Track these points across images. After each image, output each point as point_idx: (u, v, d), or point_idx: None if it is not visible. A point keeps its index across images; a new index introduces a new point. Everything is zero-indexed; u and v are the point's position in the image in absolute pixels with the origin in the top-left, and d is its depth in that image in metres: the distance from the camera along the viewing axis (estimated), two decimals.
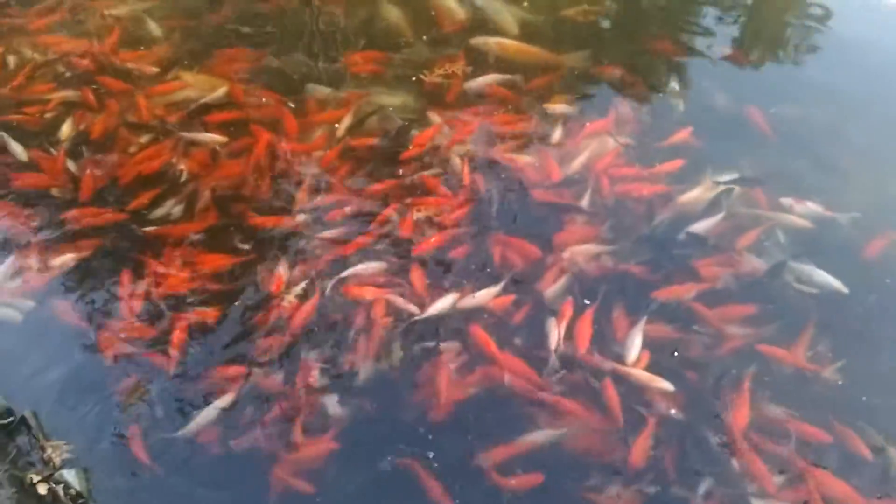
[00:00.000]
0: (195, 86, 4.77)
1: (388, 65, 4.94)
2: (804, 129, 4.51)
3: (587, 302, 3.58)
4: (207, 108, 4.61)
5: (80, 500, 3.03)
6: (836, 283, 3.64)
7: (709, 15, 5.56)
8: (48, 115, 4.59)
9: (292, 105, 4.62)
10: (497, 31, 5.14)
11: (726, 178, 4.10)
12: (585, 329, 3.44)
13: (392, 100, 4.68)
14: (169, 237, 3.89)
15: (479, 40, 5.01)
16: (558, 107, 4.58)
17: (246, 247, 3.85)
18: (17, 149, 4.37)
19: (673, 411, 3.22)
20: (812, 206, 3.95)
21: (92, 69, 4.88)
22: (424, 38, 5.19)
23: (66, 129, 4.50)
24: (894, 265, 3.78)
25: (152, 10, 5.40)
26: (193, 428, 3.19)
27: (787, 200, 3.97)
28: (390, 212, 3.97)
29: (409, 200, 4.03)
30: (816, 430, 3.17)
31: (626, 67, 4.92)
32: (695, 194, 4.03)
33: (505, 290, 3.62)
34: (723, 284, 3.65)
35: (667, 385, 3.25)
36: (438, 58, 4.95)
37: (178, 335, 3.46)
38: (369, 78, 4.86)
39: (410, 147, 4.31)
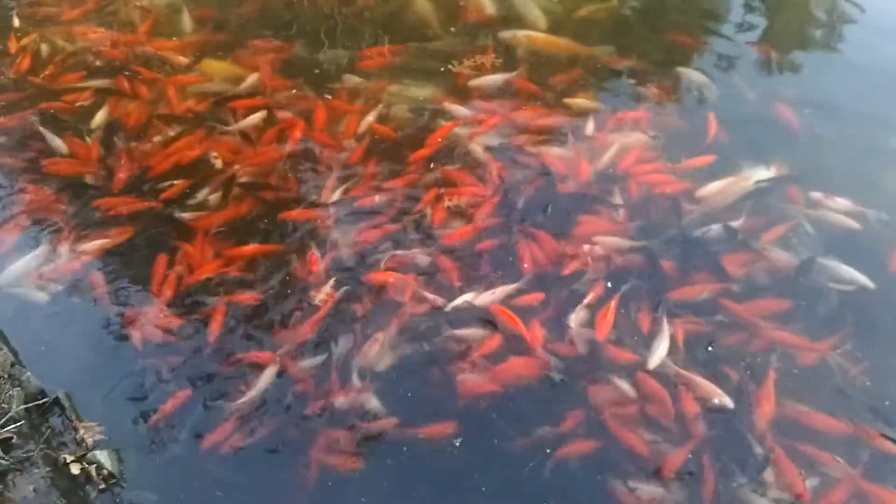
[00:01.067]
0: (224, 75, 4.83)
1: (418, 56, 4.96)
2: (834, 127, 4.47)
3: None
4: (237, 97, 4.65)
5: (112, 481, 3.07)
6: (862, 279, 3.62)
7: (736, 7, 5.53)
8: (83, 104, 4.65)
9: (328, 96, 4.66)
10: (526, 25, 5.14)
11: (759, 175, 4.08)
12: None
13: (421, 91, 4.69)
14: (202, 225, 3.94)
15: (507, 33, 5.01)
16: (583, 101, 4.58)
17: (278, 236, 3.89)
18: (57, 141, 4.42)
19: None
20: (841, 202, 3.93)
21: (122, 58, 4.94)
22: (452, 29, 5.20)
23: (100, 117, 4.56)
24: None
25: (182, 1, 5.47)
26: (226, 410, 3.23)
27: (816, 195, 3.95)
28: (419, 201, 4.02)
29: (438, 191, 4.05)
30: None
31: (653, 61, 4.92)
32: (725, 188, 4.02)
33: (527, 288, 3.62)
34: (751, 280, 3.65)
35: (727, 400, 3.21)
36: (468, 50, 4.95)
37: (214, 319, 3.51)
38: (399, 69, 4.88)
39: (436, 139, 4.33)
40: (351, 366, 3.35)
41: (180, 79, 4.80)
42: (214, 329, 3.49)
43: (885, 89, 4.74)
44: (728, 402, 3.17)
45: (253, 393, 3.28)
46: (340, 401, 3.24)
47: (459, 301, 3.54)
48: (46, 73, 4.89)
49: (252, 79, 4.75)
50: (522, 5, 5.31)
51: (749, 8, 5.54)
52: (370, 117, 4.49)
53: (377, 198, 4.03)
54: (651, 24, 5.46)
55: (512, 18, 5.25)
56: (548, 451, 3.07)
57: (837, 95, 4.69)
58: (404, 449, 3.10)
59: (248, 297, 3.61)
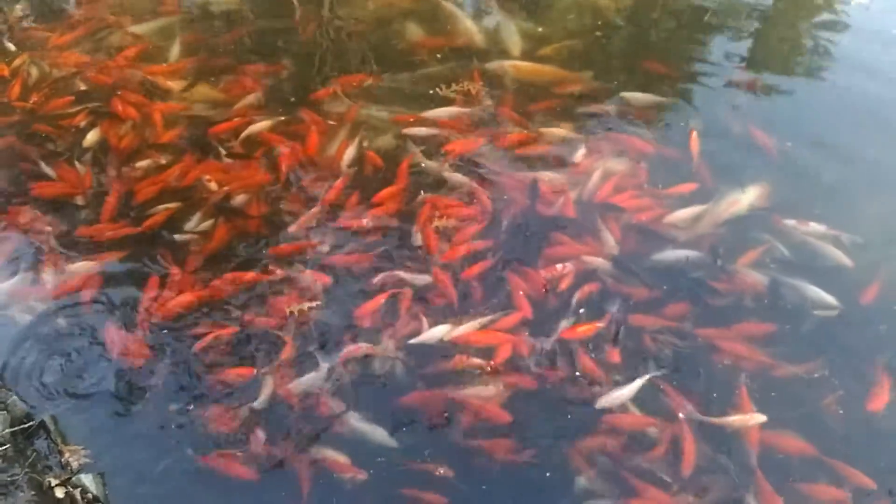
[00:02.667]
0: (210, 101, 4.90)
1: (407, 81, 5.06)
2: (812, 156, 4.56)
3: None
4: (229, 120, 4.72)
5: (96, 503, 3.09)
6: (829, 299, 3.71)
7: (717, 40, 5.64)
8: (73, 129, 4.71)
9: (305, 118, 4.73)
10: (508, 54, 5.26)
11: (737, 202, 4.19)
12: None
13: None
14: (190, 251, 3.99)
15: (494, 64, 5.11)
16: (562, 131, 4.66)
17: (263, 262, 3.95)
18: (45, 166, 4.48)
19: None
20: (815, 227, 4.03)
21: (111, 84, 5.00)
22: (439, 56, 5.30)
23: (91, 138, 4.62)
24: None
25: (171, 29, 5.54)
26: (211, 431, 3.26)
27: (790, 222, 4.05)
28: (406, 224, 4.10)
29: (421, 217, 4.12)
30: None
31: (634, 88, 5.02)
32: (701, 215, 4.13)
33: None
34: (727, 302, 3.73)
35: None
36: (455, 75, 5.05)
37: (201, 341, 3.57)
38: (385, 93, 4.96)
39: (419, 164, 4.43)
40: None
41: (169, 106, 4.86)
42: (199, 350, 3.53)
43: (862, 123, 4.85)
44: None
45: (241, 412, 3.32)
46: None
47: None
48: (36, 97, 4.94)
49: (246, 102, 4.82)
50: (506, 34, 5.40)
51: (733, 38, 5.65)
52: (355, 144, 4.56)
53: (364, 220, 4.09)
54: (633, 51, 5.57)
55: (497, 46, 5.35)
56: None
57: (817, 127, 4.80)
58: None
59: (228, 329, 3.64)
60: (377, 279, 3.82)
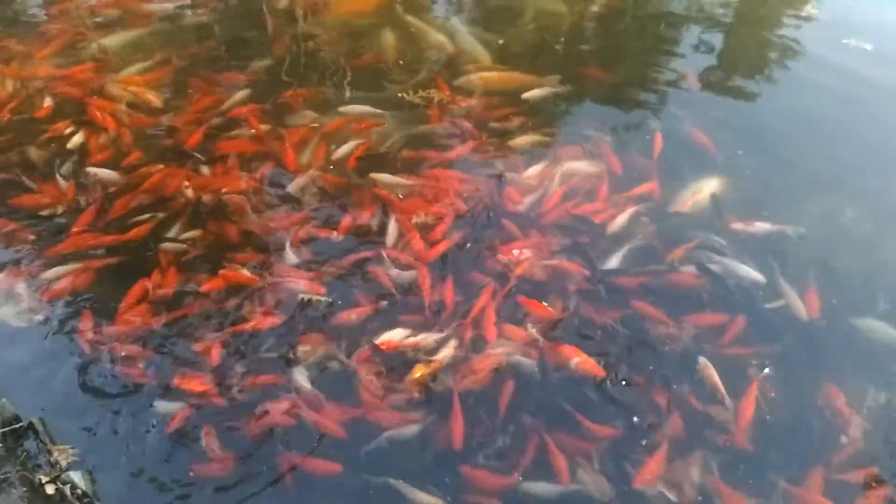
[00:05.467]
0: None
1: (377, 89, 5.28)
2: (766, 157, 4.85)
3: None
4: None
5: (87, 500, 3.24)
6: (756, 275, 4.00)
7: (682, 46, 5.91)
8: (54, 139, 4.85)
9: (282, 130, 4.91)
10: (476, 61, 5.50)
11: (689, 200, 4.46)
12: None
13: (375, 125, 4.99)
14: (170, 257, 4.15)
15: (463, 79, 5.33)
16: (529, 137, 4.89)
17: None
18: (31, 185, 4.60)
19: None
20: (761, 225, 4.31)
21: (83, 97, 5.14)
22: (401, 62, 5.52)
23: (75, 141, 4.80)
24: None
25: (143, 41, 5.70)
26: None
27: (737, 224, 4.32)
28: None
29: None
30: None
31: (599, 96, 5.27)
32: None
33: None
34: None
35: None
36: (422, 83, 5.28)
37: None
38: (355, 101, 5.17)
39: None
40: None
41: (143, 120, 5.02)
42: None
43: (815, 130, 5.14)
44: None
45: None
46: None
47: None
48: (10, 107, 5.07)
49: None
50: (471, 45, 5.64)
51: (700, 44, 5.92)
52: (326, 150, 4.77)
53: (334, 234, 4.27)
54: (602, 55, 5.83)
55: (465, 55, 5.58)
56: None
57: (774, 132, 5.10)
58: None
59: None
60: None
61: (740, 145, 4.87)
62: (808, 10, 6.13)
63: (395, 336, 3.72)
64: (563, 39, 5.77)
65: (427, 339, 3.71)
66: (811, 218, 4.41)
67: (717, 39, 5.92)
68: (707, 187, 4.53)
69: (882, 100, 5.38)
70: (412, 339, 3.71)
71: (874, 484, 3.27)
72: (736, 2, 6.29)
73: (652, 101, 5.37)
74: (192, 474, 3.30)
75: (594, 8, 6.04)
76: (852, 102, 5.28)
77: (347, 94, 5.25)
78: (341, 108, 5.07)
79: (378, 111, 5.06)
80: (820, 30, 6.02)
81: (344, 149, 4.77)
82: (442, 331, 3.75)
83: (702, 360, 3.61)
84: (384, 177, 4.58)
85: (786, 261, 4.13)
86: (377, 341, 3.69)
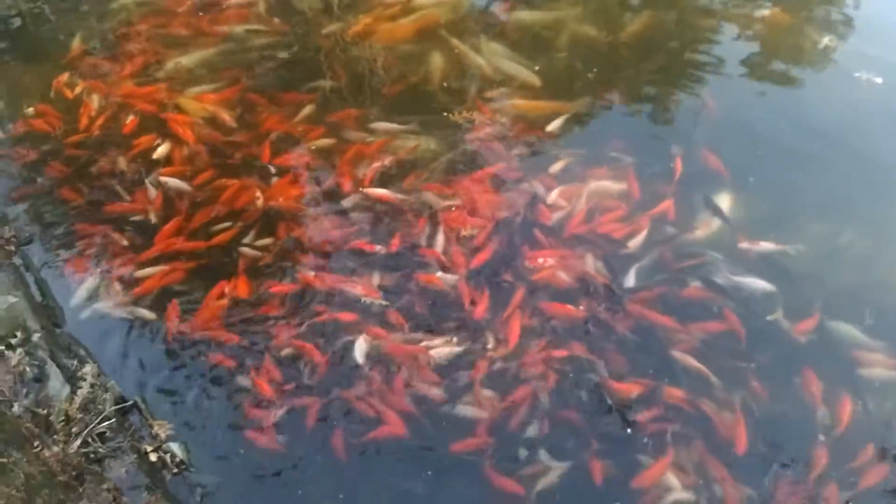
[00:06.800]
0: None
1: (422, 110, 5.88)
2: (775, 181, 5.36)
3: None
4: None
5: (183, 466, 3.90)
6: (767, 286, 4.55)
7: (706, 73, 6.39)
8: (139, 153, 5.50)
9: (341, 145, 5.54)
10: (513, 84, 6.08)
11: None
12: None
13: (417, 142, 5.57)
14: (247, 260, 4.80)
15: (496, 105, 5.88)
16: (558, 160, 5.41)
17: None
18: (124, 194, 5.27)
19: None
20: (765, 245, 4.83)
21: (162, 113, 5.76)
22: (445, 84, 6.10)
23: (161, 151, 5.45)
24: None
25: (214, 61, 6.35)
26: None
27: (744, 244, 4.85)
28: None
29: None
30: None
31: (626, 120, 5.84)
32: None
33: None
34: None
35: None
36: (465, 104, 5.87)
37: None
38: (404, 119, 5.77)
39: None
40: None
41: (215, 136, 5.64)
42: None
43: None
44: None
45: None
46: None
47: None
48: (99, 123, 5.71)
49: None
50: (512, 69, 6.21)
51: (722, 72, 6.37)
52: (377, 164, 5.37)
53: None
54: (629, 81, 6.34)
55: (505, 79, 6.14)
56: None
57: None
58: None
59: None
60: None
61: (752, 170, 5.37)
62: (826, 42, 6.55)
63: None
64: (594, 69, 6.28)
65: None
66: (813, 238, 4.92)
67: (737, 69, 6.38)
68: (720, 209, 5.06)
69: (889, 129, 5.84)
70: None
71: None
72: (758, 36, 6.76)
73: (675, 125, 5.88)
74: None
75: (625, 36, 6.55)
76: (859, 132, 5.74)
77: (394, 114, 5.80)
78: (387, 126, 5.67)
79: (409, 128, 5.68)
80: (834, 63, 6.45)
81: (387, 163, 5.40)
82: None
83: None
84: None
85: (787, 276, 4.66)
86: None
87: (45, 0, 7.27)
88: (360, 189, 5.21)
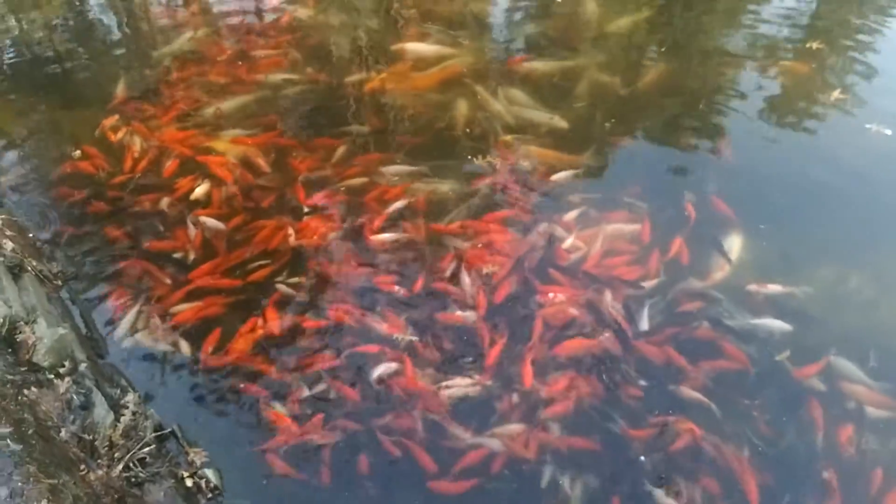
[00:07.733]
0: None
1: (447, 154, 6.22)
2: (784, 227, 5.58)
3: None
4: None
5: (217, 491, 4.14)
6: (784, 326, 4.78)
7: (721, 121, 6.65)
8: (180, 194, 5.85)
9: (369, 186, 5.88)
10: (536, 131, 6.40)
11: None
12: None
13: (439, 185, 5.88)
14: (280, 296, 5.09)
15: (521, 150, 6.20)
16: (575, 207, 5.69)
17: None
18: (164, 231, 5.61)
19: None
20: (773, 288, 5.04)
21: (201, 156, 6.12)
22: (468, 130, 6.43)
23: (200, 192, 5.80)
24: None
25: (250, 107, 6.73)
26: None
27: (752, 287, 5.07)
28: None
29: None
30: None
31: (641, 167, 6.11)
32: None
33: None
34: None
35: None
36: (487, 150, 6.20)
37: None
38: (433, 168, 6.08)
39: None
40: None
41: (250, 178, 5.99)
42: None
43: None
44: None
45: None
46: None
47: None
48: (142, 165, 6.08)
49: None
50: (532, 116, 6.52)
51: (736, 122, 6.62)
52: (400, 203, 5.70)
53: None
54: (647, 128, 6.63)
55: (526, 126, 6.46)
56: None
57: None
58: None
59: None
60: None
61: (762, 217, 5.59)
62: (837, 95, 6.82)
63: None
64: (612, 118, 6.59)
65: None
66: (820, 282, 5.11)
67: (752, 118, 6.65)
68: (730, 253, 5.28)
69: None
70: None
71: None
72: (773, 86, 7.05)
73: (688, 172, 6.13)
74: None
75: (642, 85, 6.86)
76: (868, 181, 5.96)
77: (423, 160, 6.13)
78: (408, 169, 6.02)
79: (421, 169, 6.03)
80: (847, 113, 6.69)
81: (415, 201, 5.73)
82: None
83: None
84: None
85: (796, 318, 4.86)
86: None
87: (79, 42, 7.70)
88: (372, 236, 5.52)
